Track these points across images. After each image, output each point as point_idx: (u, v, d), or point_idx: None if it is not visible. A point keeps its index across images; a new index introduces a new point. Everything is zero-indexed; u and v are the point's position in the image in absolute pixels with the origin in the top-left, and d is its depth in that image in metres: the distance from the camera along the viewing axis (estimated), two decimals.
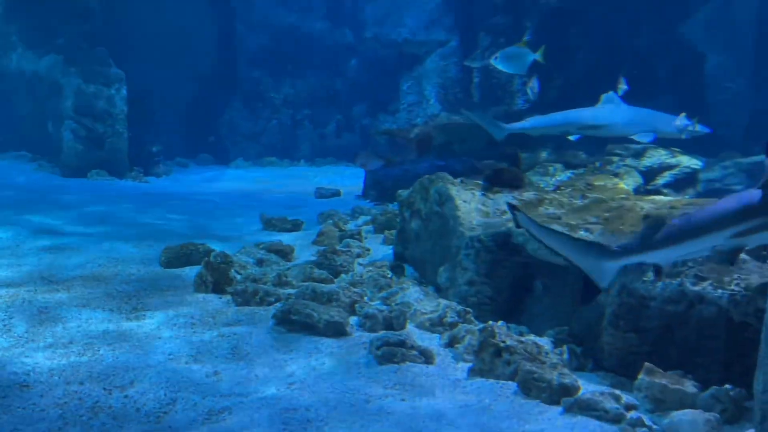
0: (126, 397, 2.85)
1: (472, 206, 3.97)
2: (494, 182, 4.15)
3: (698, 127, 5.40)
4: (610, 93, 5.43)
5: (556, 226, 3.12)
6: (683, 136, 5.45)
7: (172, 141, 14.76)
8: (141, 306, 4.13)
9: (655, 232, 2.57)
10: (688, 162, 6.16)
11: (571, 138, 5.66)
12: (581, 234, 3.29)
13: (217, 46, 15.71)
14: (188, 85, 15.19)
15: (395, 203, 7.41)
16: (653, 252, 2.62)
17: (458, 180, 4.30)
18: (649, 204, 3.48)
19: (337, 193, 9.25)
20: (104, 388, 2.93)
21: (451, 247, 4.06)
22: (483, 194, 4.04)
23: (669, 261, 2.70)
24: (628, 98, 5.46)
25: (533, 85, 6.01)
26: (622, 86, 5.42)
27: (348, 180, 11.42)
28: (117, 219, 6.97)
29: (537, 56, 6.67)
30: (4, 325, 3.66)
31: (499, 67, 6.86)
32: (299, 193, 10.00)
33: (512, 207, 2.99)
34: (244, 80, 16.03)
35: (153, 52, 13.97)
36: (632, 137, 5.38)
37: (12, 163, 11.90)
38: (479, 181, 4.29)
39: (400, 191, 4.95)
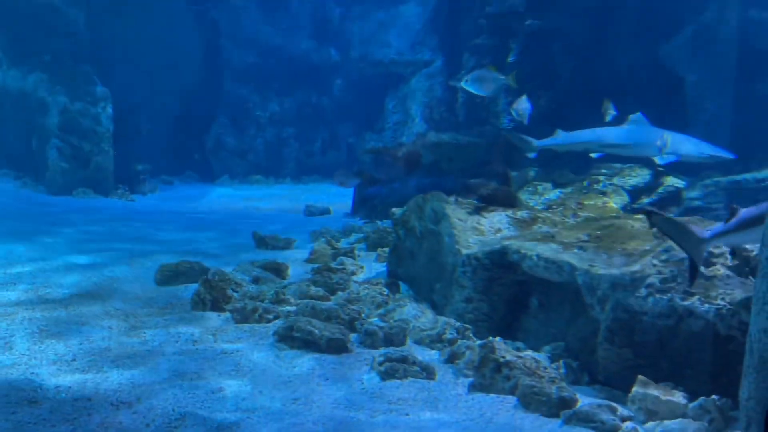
0: (135, 413, 2.89)
1: (468, 224, 4.08)
2: (488, 201, 4.27)
3: (721, 152, 5.53)
4: (638, 114, 5.63)
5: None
6: (707, 161, 5.60)
7: (157, 158, 14.74)
8: (140, 324, 4.16)
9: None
10: (672, 181, 6.35)
11: (593, 155, 5.80)
12: (575, 252, 3.41)
13: (203, 63, 15.78)
14: (173, 103, 15.22)
15: (385, 221, 7.53)
16: (731, 235, 2.90)
17: (452, 198, 4.42)
18: (639, 223, 3.62)
19: (326, 211, 9.33)
20: (111, 404, 2.96)
21: (447, 265, 4.16)
22: (478, 213, 4.16)
23: (743, 243, 3.04)
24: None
25: (521, 107, 6.17)
26: (611, 111, 5.60)
27: (335, 198, 11.49)
28: (107, 237, 6.97)
29: (505, 80, 6.90)
30: (6, 343, 3.67)
31: (469, 89, 7.09)
32: (288, 211, 10.06)
33: (649, 211, 3.18)
34: (231, 98, 16.10)
35: (138, 70, 14.01)
36: (655, 159, 5.52)
37: None
38: (472, 200, 4.41)
39: (393, 209, 5.05)
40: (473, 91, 7.55)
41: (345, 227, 7.31)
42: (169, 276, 5.09)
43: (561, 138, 5.95)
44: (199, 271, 5.12)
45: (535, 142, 6.03)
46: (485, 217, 4.13)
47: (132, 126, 13.48)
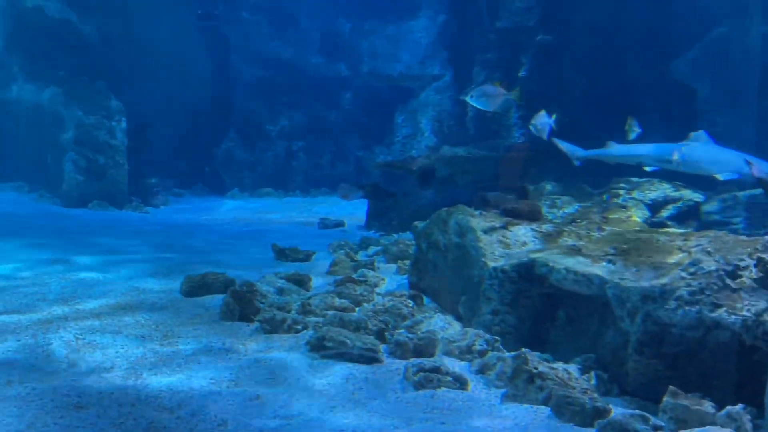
0: (178, 418, 2.96)
1: (494, 238, 4.16)
2: (513, 215, 4.36)
3: None
4: (701, 131, 5.71)
5: None
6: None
7: (168, 171, 14.89)
8: (171, 333, 4.24)
9: None
10: (691, 195, 6.43)
11: (647, 169, 5.83)
12: (604, 265, 3.49)
13: (214, 78, 16.00)
14: (184, 117, 15.40)
15: (402, 234, 7.63)
16: None
17: (477, 212, 4.51)
18: (663, 236, 3.70)
19: (340, 224, 9.41)
20: (154, 410, 3.03)
21: (472, 278, 4.23)
22: (503, 226, 4.24)
23: None
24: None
25: (540, 122, 6.25)
26: (635, 128, 5.68)
27: (345, 210, 11.61)
28: (129, 249, 7.07)
29: (511, 96, 7.01)
30: (43, 351, 3.75)
31: (473, 104, 7.21)
32: (301, 223, 10.16)
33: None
34: (240, 112, 16.28)
35: (150, 84, 14.21)
36: (716, 176, 5.55)
37: (11, 194, 11.93)
38: (497, 213, 4.49)
39: (416, 222, 5.13)
40: (477, 107, 7.67)
41: (362, 240, 7.39)
42: (195, 287, 5.17)
43: (615, 150, 5.96)
44: (224, 282, 5.20)
45: (581, 152, 6.05)
46: (510, 231, 4.21)
47: (144, 139, 13.66)
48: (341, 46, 16.25)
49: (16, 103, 13.44)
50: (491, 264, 3.98)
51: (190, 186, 15.28)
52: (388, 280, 5.58)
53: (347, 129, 16.53)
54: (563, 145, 6.22)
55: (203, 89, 15.87)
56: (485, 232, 4.20)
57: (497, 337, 3.74)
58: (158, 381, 3.39)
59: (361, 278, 5.34)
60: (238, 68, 16.20)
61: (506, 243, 4.12)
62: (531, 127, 6.75)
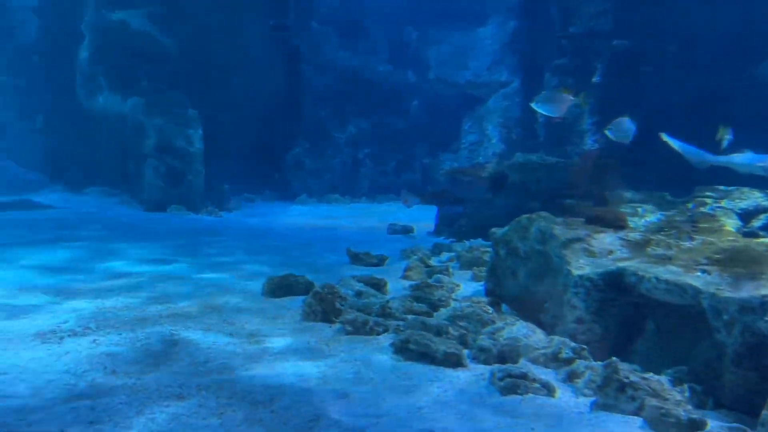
0: (272, 412, 3.08)
1: (578, 245, 4.11)
2: (597, 222, 4.30)
3: None
4: None
5: None
6: None
7: (239, 177, 15.39)
8: (257, 331, 4.40)
9: None
10: None
11: None
12: (698, 275, 3.40)
13: (284, 87, 16.45)
14: (255, 124, 15.89)
15: (473, 240, 7.62)
16: None
17: (560, 219, 4.47)
18: (760, 246, 3.57)
19: (410, 230, 9.47)
20: (250, 404, 3.17)
21: (555, 286, 4.20)
22: (588, 234, 4.19)
23: None
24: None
25: (623, 127, 6.11)
26: (727, 136, 5.47)
27: (412, 216, 11.64)
28: (211, 251, 7.36)
29: (577, 101, 6.84)
30: (143, 345, 3.98)
31: (538, 109, 7.11)
32: (370, 228, 10.29)
33: None
34: (309, 119, 16.67)
35: (224, 94, 14.75)
36: None
37: (97, 198, 12.61)
38: (580, 220, 4.44)
39: (493, 229, 5.12)
40: (543, 112, 7.59)
41: (434, 246, 7.43)
42: (276, 288, 5.34)
43: (742, 157, 5.65)
44: (304, 284, 5.36)
45: (710, 157, 5.73)
46: (595, 239, 4.15)
47: (218, 146, 14.17)
48: (408, 54, 16.41)
49: (101, 112, 14.21)
50: (576, 272, 3.93)
51: (260, 192, 15.74)
52: (464, 286, 5.60)
53: (413, 136, 16.65)
54: (684, 148, 5.81)
55: (274, 98, 16.34)
56: (569, 239, 4.16)
57: (584, 346, 3.70)
58: (251, 377, 3.53)
59: (437, 283, 5.38)
60: (308, 77, 16.61)
61: (591, 251, 4.07)
62: (608, 133, 6.62)
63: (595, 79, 10.50)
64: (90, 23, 13.72)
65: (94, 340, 4.03)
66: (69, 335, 4.11)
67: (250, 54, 15.43)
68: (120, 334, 4.18)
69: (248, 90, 15.49)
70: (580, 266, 3.96)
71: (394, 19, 16.27)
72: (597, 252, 4.03)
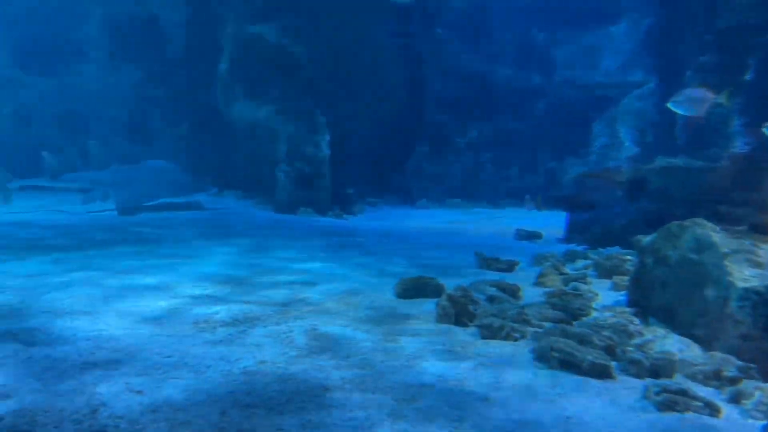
0: (417, 410, 3.08)
1: (741, 255, 3.76)
2: (762, 230, 3.91)
3: None
4: None
5: None
6: None
7: (362, 182, 15.77)
8: (391, 331, 4.45)
9: None
10: None
11: None
12: None
13: (406, 92, 16.64)
14: (377, 130, 16.21)
15: (608, 248, 7.25)
16: None
17: (717, 227, 4.11)
18: None
19: (537, 235, 9.20)
20: (394, 399, 3.19)
21: (713, 298, 3.86)
22: (752, 243, 3.82)
23: None
24: None
25: None
26: None
27: (537, 222, 11.35)
28: (342, 253, 7.59)
29: (719, 99, 6.24)
30: (287, 337, 4.16)
31: (675, 109, 6.57)
32: (495, 233, 10.12)
33: None
34: (431, 125, 16.74)
35: (348, 100, 15.19)
36: None
37: (235, 201, 13.44)
38: (742, 228, 4.06)
39: (639, 236, 4.83)
40: (681, 112, 7.03)
41: (567, 252, 7.15)
42: (408, 289, 5.38)
43: None
44: (435, 287, 5.36)
45: None
46: (762, 248, 3.77)
47: (343, 151, 14.62)
48: (534, 56, 16.00)
49: (237, 119, 15.15)
50: (740, 284, 3.59)
51: (381, 196, 16.03)
52: (603, 296, 5.32)
53: (537, 140, 16.21)
54: None
55: (396, 103, 16.59)
56: (730, 249, 3.81)
57: (751, 365, 3.37)
58: (390, 375, 3.56)
59: (574, 291, 5.16)
60: (430, 82, 16.70)
61: (757, 262, 3.70)
62: (767, 131, 6.02)
63: (747, 77, 9.62)
64: (230, 37, 14.69)
65: (244, 331, 4.27)
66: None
67: (375, 61, 15.79)
68: (265, 327, 4.40)
69: (372, 96, 15.86)
70: (745, 278, 3.61)
71: (519, 22, 15.95)
72: (764, 263, 3.66)
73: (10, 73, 16.59)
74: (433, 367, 3.70)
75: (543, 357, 3.70)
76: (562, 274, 6.00)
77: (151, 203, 11.17)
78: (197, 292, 5.29)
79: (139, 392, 3.14)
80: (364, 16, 14.65)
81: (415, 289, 5.37)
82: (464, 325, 4.54)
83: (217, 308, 4.76)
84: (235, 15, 14.48)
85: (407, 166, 16.38)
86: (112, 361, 3.58)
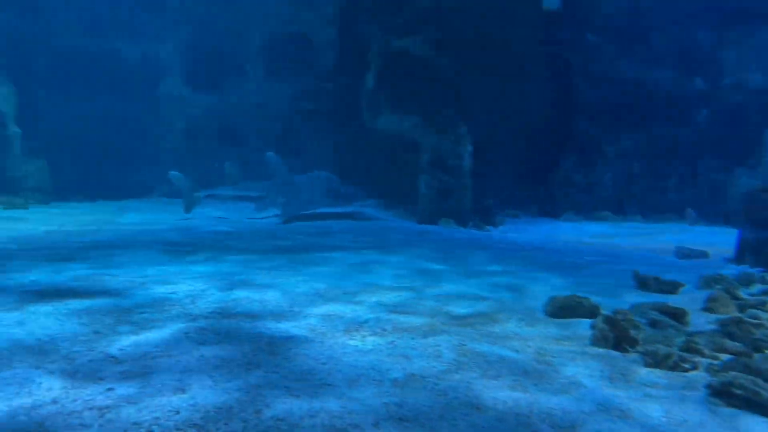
0: None
1: None
2: None
3: None
4: None
5: None
6: None
7: (503, 192, 15.46)
8: (543, 351, 4.25)
9: None
10: None
11: None
12: None
13: (553, 100, 16.09)
14: (519, 139, 15.83)
15: None
16: None
17: None
18: None
19: (702, 254, 8.40)
20: (551, 426, 3.03)
21: None
22: None
23: None
24: None
25: None
26: None
27: (699, 239, 10.41)
28: (489, 268, 7.45)
29: None
30: (434, 351, 4.12)
31: None
32: (652, 250, 9.40)
33: None
34: (579, 134, 16.03)
35: (491, 109, 14.98)
36: None
37: (378, 211, 13.76)
38: None
39: None
40: None
41: (741, 275, 6.44)
42: (559, 309, 5.13)
43: None
44: (589, 307, 5.06)
45: None
46: None
47: (484, 161, 14.44)
48: (698, 59, 14.74)
49: (381, 132, 15.55)
50: None
51: (523, 207, 15.61)
52: None
53: (699, 149, 14.90)
54: None
55: (542, 112, 16.11)
56: None
57: None
58: (546, 399, 3.40)
59: (754, 320, 4.60)
60: (580, 90, 16.02)
61: None
62: None
63: None
64: (376, 52, 15.16)
65: (392, 342, 4.30)
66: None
67: (521, 69, 15.46)
68: (413, 338, 4.40)
69: (516, 106, 15.54)
70: None
71: (681, 24, 14.77)
72: None
73: (182, 91, 18.42)
74: (591, 394, 3.47)
75: (721, 393, 3.33)
76: (736, 299, 5.40)
77: (317, 211, 11.77)
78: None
79: (296, 397, 3.26)
80: (511, 25, 14.41)
81: (566, 308, 5.11)
82: (624, 350, 4.23)
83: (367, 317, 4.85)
84: (381, 30, 14.91)
85: (552, 177, 15.81)
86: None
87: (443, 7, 13.93)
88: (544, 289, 6.12)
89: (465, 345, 4.29)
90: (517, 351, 4.25)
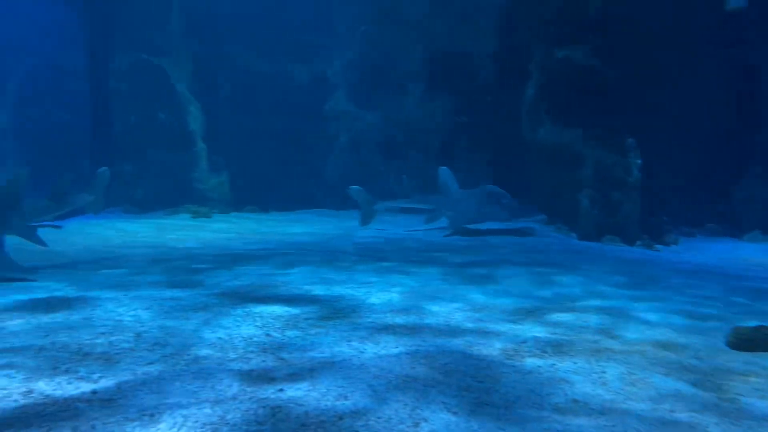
0: None
1: None
2: None
3: None
4: None
5: None
6: None
7: (676, 208, 14.32)
8: (725, 387, 3.92)
9: None
10: None
11: None
12: None
13: (735, 107, 14.65)
14: (694, 151, 14.58)
15: None
16: None
17: None
18: None
19: None
20: None
21: None
22: None
23: None
24: None
25: None
26: None
27: None
28: (658, 291, 7.01)
29: None
30: (599, 377, 3.99)
31: None
32: None
33: None
34: (766, 144, 14.41)
35: (662, 118, 13.96)
36: None
37: (538, 226, 13.28)
38: None
39: None
40: None
41: None
42: (744, 341, 4.69)
43: None
44: None
45: None
46: None
47: (652, 176, 13.50)
48: None
49: (540, 144, 15.16)
50: None
51: (700, 225, 14.35)
52: None
53: None
54: None
55: (720, 121, 14.76)
56: None
57: None
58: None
59: None
60: (766, 96, 14.42)
61: None
62: None
63: None
64: (538, 63, 14.87)
65: (552, 365, 4.23)
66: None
67: (695, 75, 14.31)
68: (575, 362, 4.28)
69: (690, 113, 14.38)
70: None
71: None
72: None
73: (346, 107, 19.47)
74: None
75: None
76: None
77: (482, 227, 11.78)
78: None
79: (453, 412, 3.35)
80: (686, 30, 13.41)
81: (753, 340, 4.66)
82: None
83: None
84: (543, 41, 14.61)
85: (734, 192, 14.35)
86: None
87: (610, 14, 13.33)
88: (725, 315, 5.61)
89: (633, 374, 4.09)
90: (695, 384, 3.97)
